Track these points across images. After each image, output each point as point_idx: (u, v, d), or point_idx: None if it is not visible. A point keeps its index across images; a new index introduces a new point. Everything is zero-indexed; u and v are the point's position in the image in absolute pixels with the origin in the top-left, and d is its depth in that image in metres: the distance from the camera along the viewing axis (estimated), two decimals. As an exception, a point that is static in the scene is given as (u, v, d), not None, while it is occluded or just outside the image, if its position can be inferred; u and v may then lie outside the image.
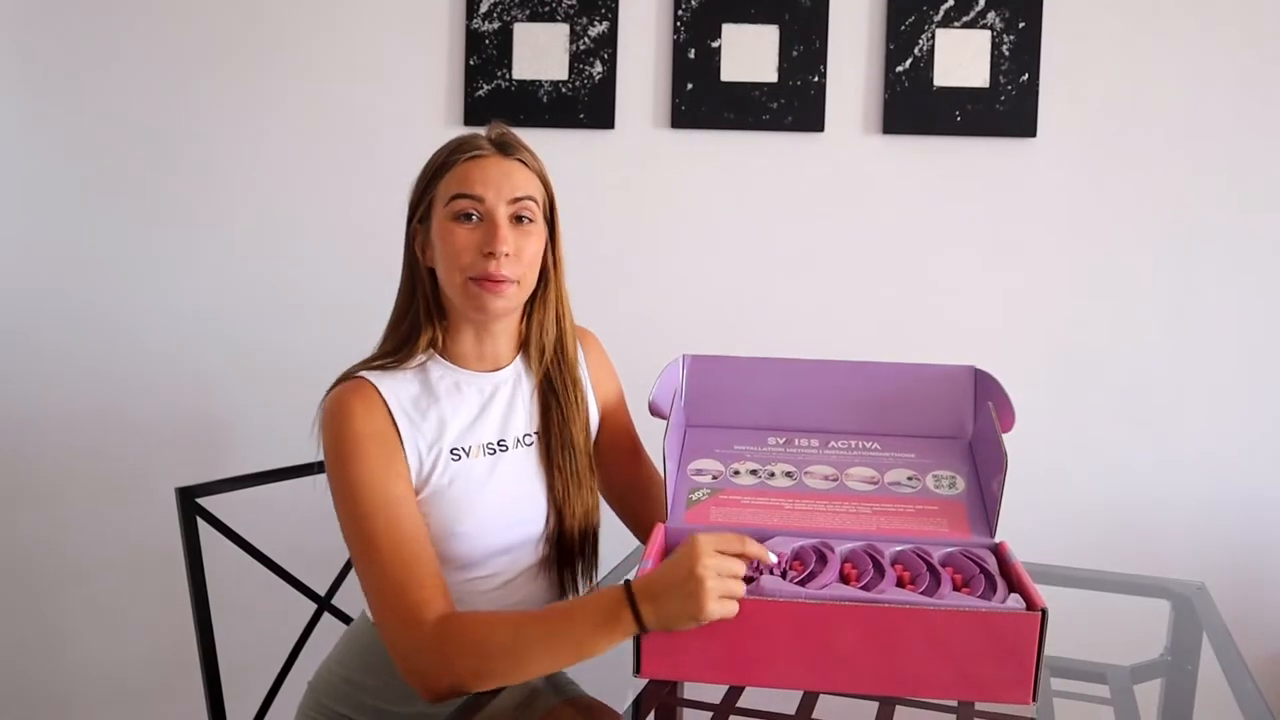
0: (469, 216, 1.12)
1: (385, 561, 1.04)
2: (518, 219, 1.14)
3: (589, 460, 1.26)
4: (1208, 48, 1.76)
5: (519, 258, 1.13)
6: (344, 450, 1.08)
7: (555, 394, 1.24)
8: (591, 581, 1.28)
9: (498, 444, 1.19)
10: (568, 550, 1.23)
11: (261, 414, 1.96)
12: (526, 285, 1.16)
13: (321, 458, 1.11)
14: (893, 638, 0.93)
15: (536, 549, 1.22)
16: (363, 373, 1.14)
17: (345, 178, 1.93)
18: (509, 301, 1.15)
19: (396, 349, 1.17)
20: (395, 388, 1.13)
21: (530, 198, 1.15)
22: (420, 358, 1.18)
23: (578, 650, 0.97)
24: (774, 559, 0.98)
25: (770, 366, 1.24)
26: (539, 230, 1.17)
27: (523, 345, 1.25)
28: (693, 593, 0.90)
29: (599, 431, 1.31)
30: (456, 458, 1.15)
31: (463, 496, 1.14)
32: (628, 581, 0.95)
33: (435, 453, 1.14)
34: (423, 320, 1.17)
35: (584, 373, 1.29)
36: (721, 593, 0.91)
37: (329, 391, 1.14)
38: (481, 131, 1.19)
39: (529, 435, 1.22)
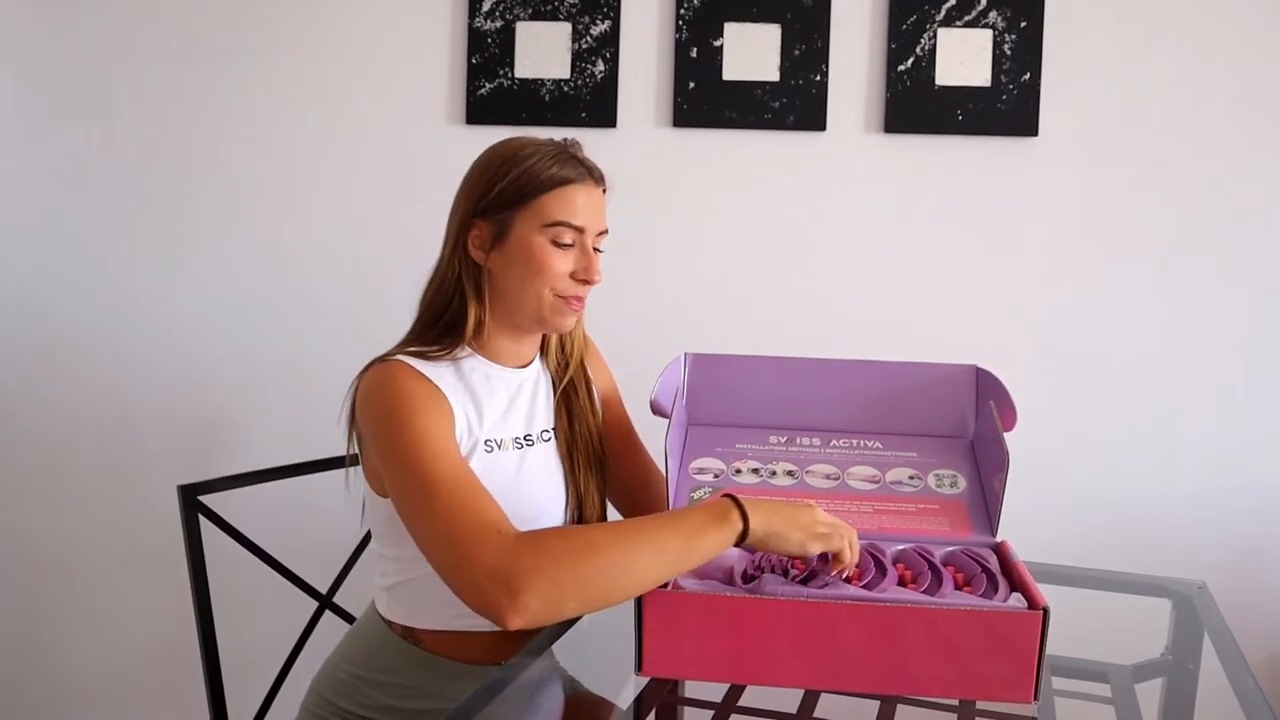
0: (566, 243, 1.16)
1: (453, 494, 1.01)
2: (595, 247, 1.20)
3: (603, 454, 1.30)
4: (1208, 47, 1.76)
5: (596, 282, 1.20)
6: (399, 411, 1.08)
7: (576, 393, 1.29)
8: None
9: (524, 438, 1.22)
10: None
11: (264, 412, 1.96)
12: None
13: (351, 436, 1.16)
14: (894, 637, 0.93)
15: None
16: (400, 357, 1.14)
17: (347, 176, 1.93)
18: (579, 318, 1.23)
19: (439, 340, 1.18)
20: (438, 372, 1.15)
21: (608, 230, 1.22)
22: (458, 352, 1.19)
23: (686, 544, 0.95)
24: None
25: (772, 365, 1.25)
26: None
27: (544, 346, 1.29)
28: (800, 514, 0.97)
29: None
30: (490, 449, 1.17)
31: (495, 489, 1.12)
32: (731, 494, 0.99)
33: (473, 441, 1.16)
34: (469, 314, 1.18)
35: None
36: (829, 531, 0.97)
37: (363, 373, 1.15)
38: (555, 142, 1.19)
39: (546, 431, 1.25)
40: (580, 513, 1.25)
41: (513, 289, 1.18)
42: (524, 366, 1.25)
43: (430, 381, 1.12)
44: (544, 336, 1.28)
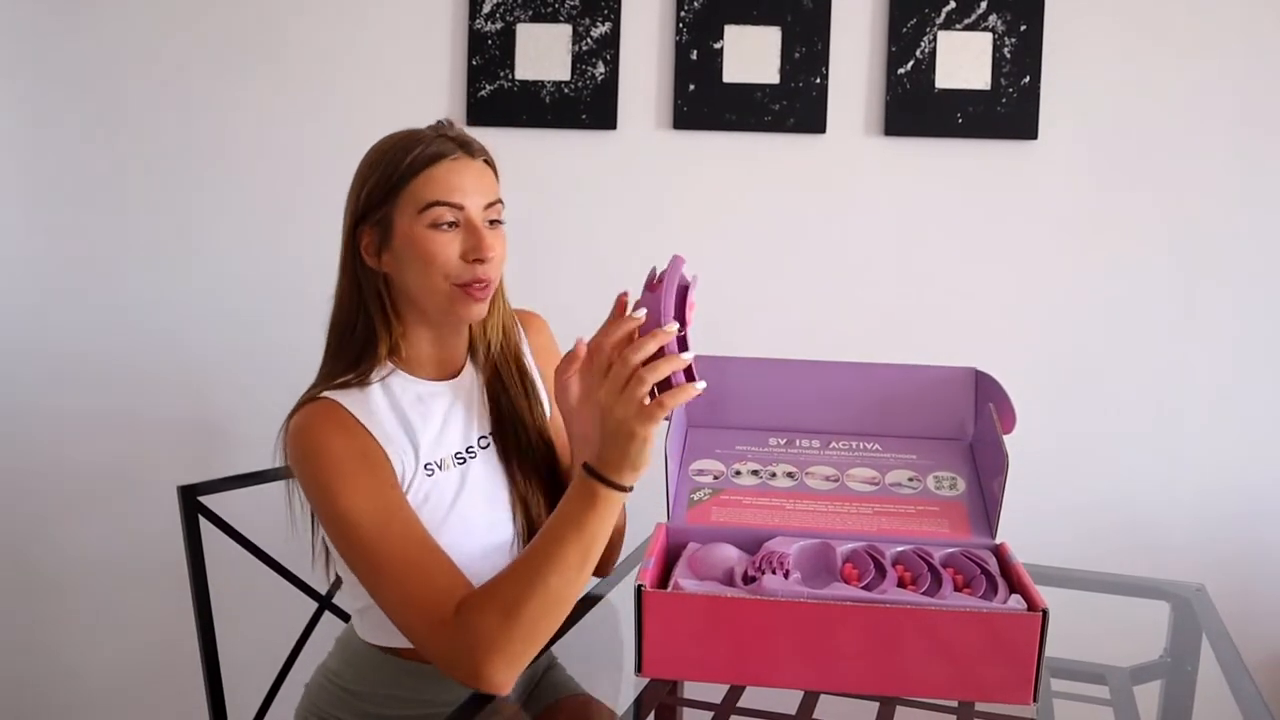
0: (449, 224, 1.09)
1: (397, 579, 1.01)
2: (490, 222, 1.12)
3: (548, 448, 1.23)
4: (1208, 50, 1.77)
5: (496, 261, 1.12)
6: (324, 477, 1.04)
7: (504, 387, 1.22)
8: None
9: (466, 451, 1.17)
10: None
11: (263, 412, 1.93)
12: (494, 285, 1.14)
13: (285, 465, 1.09)
14: (895, 638, 0.93)
15: (512, 549, 1.18)
16: (327, 393, 1.09)
17: (346, 177, 1.92)
18: (486, 305, 1.13)
19: (355, 363, 1.13)
20: (363, 405, 1.10)
21: (499, 200, 1.13)
22: (382, 370, 1.13)
23: (584, 545, 0.96)
24: (674, 327, 0.93)
25: (771, 367, 1.25)
26: (503, 230, 1.14)
27: (471, 346, 1.23)
28: (620, 433, 0.92)
29: (555, 414, 1.25)
30: (430, 473, 1.12)
31: (439, 512, 1.11)
32: (585, 463, 0.96)
33: (413, 471, 1.11)
34: (378, 327, 1.13)
35: (528, 359, 1.27)
36: (636, 409, 0.90)
37: (291, 415, 1.10)
38: (425, 128, 1.14)
39: (484, 437, 1.20)
40: (527, 517, 1.18)
41: (411, 288, 1.11)
42: (455, 375, 1.19)
43: (359, 428, 1.07)
44: (471, 336, 1.22)
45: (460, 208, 1.09)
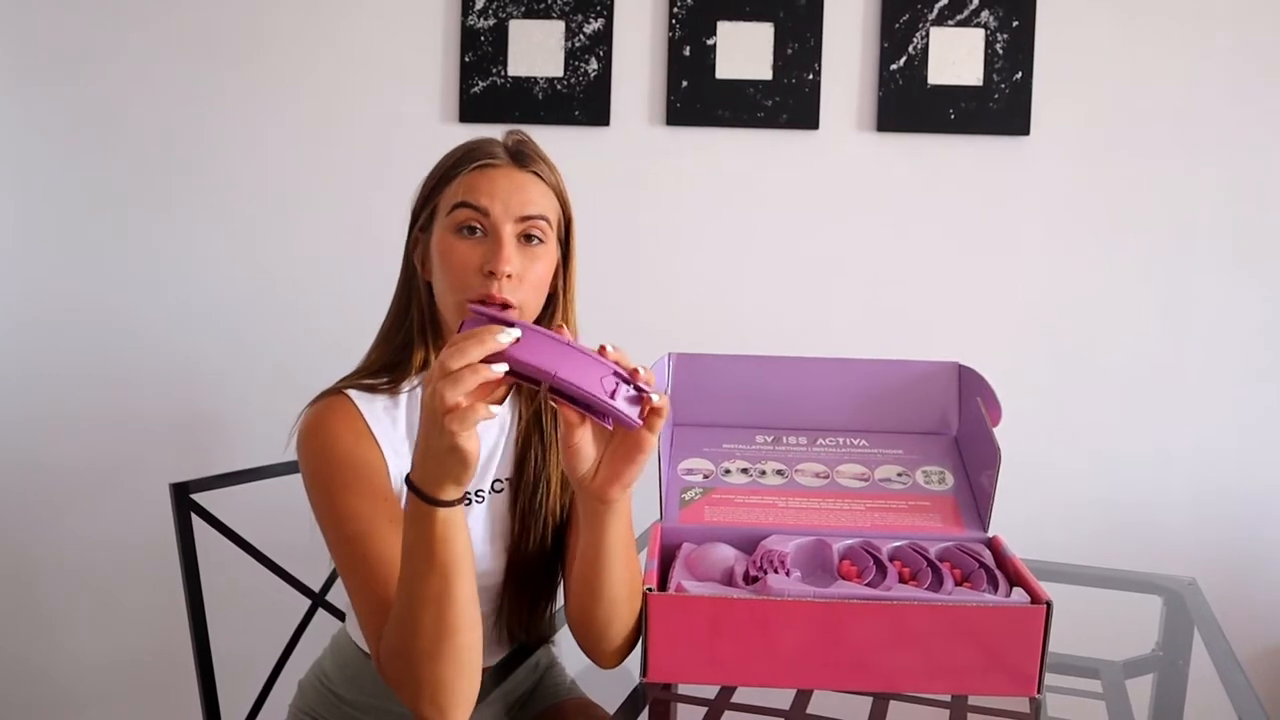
0: (472, 230, 1.02)
1: (363, 594, 0.95)
2: (526, 238, 1.03)
3: (560, 507, 1.12)
4: (1201, 45, 1.77)
5: (523, 281, 1.02)
6: (324, 475, 1.00)
7: (540, 433, 1.11)
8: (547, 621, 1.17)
9: (474, 494, 1.09)
10: (517, 603, 1.11)
11: (256, 410, 1.96)
12: (529, 312, 1.05)
13: (295, 458, 1.05)
14: (904, 635, 0.93)
15: (490, 602, 1.10)
16: (350, 391, 1.06)
17: (340, 175, 1.92)
18: None
19: (389, 368, 1.09)
20: (378, 413, 1.06)
21: (542, 216, 1.04)
22: (414, 380, 1.09)
23: (442, 572, 0.84)
24: (512, 335, 0.80)
25: (755, 364, 1.24)
26: (549, 252, 1.05)
27: None
28: (437, 442, 0.79)
29: None
30: None
31: None
32: (410, 481, 0.84)
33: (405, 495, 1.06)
34: (415, 338, 1.08)
35: None
36: (454, 420, 0.77)
37: (311, 404, 1.06)
38: (498, 136, 1.09)
39: (500, 481, 1.11)
40: (517, 572, 1.09)
41: (439, 301, 1.06)
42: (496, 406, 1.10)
43: (367, 432, 1.03)
44: None
45: (485, 212, 1.01)
